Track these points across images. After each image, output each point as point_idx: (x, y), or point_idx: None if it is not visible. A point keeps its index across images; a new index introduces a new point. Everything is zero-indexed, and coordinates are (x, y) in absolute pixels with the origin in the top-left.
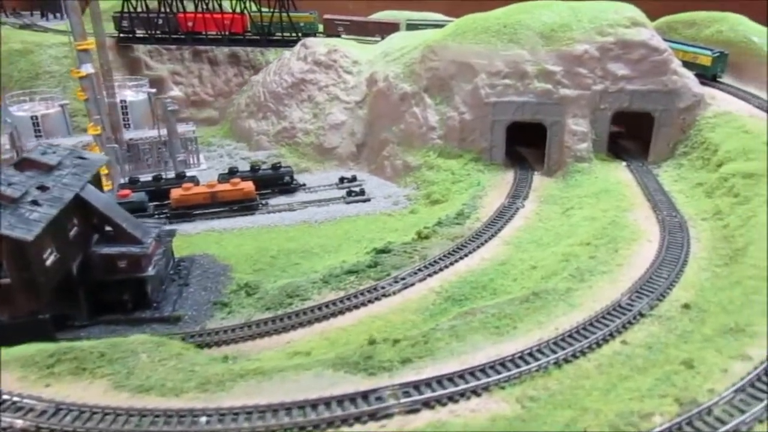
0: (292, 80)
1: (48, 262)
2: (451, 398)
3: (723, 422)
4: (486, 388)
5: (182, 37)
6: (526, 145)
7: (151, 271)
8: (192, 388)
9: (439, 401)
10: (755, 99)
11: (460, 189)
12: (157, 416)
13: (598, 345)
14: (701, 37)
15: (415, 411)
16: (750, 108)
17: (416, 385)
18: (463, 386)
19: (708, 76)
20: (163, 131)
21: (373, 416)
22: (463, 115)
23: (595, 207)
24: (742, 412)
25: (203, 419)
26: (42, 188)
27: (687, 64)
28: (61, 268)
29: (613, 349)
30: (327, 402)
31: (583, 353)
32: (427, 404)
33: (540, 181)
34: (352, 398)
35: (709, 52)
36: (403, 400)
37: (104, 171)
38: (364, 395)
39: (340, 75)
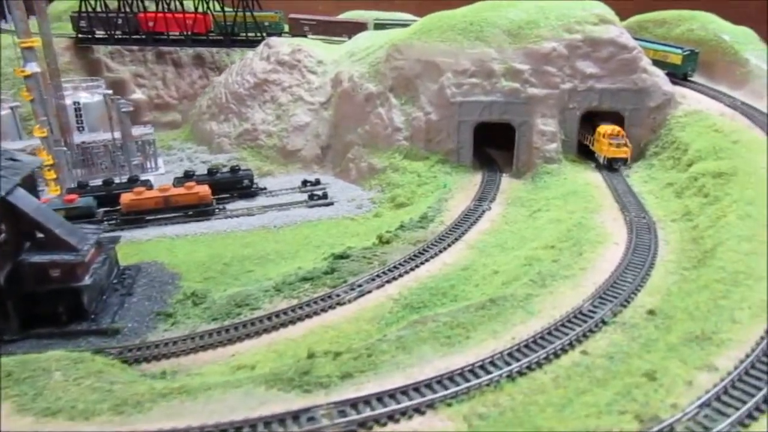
0: (255, 81)
1: None
2: (392, 417)
3: None
4: (431, 405)
5: (143, 37)
6: (496, 147)
7: (87, 280)
8: (105, 410)
9: (378, 421)
10: (726, 98)
11: (426, 192)
12: None
13: (556, 356)
14: (672, 36)
15: None
16: (721, 107)
17: (354, 403)
18: (405, 403)
19: (679, 75)
20: (118, 134)
21: None
22: (429, 115)
23: (562, 209)
24: (707, 429)
25: None
26: None
27: (657, 63)
28: None
29: (572, 359)
30: (253, 424)
31: (539, 365)
32: (363, 425)
33: (508, 183)
34: (281, 419)
35: (679, 51)
36: (337, 421)
37: (51, 175)
38: (295, 416)
39: (304, 75)
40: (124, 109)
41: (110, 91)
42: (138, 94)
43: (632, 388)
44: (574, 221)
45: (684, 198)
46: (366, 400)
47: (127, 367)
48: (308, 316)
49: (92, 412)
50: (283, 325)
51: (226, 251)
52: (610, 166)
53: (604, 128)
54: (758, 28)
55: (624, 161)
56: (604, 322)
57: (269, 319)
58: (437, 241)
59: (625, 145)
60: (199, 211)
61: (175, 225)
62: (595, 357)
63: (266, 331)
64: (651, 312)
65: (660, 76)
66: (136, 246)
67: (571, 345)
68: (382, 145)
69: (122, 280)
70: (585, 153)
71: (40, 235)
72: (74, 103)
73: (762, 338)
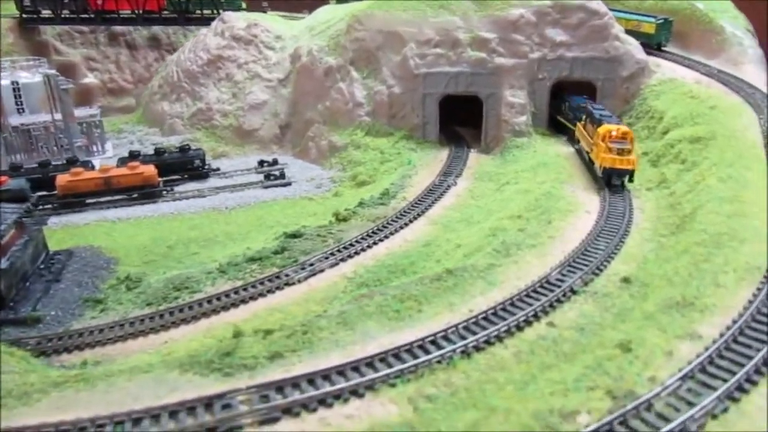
0: (208, 57)
1: None
2: (323, 401)
3: (666, 419)
4: (371, 386)
5: (92, 17)
6: (463, 124)
7: (3, 264)
8: None
9: (307, 406)
10: (702, 66)
11: (389, 169)
12: None
13: (519, 329)
14: (645, 6)
15: (273, 420)
16: (696, 75)
17: (279, 386)
18: (341, 385)
19: (653, 45)
20: (59, 115)
21: (213, 430)
22: (392, 88)
23: (531, 181)
24: (691, 405)
25: None
26: None
27: (631, 33)
28: None
29: (537, 332)
30: (156, 414)
31: (499, 339)
32: (289, 411)
33: (476, 159)
34: (190, 407)
35: (652, 20)
36: (258, 407)
37: None
38: (208, 403)
39: (261, 51)
40: (63, 86)
41: (53, 71)
42: (90, 78)
43: (604, 360)
44: (543, 191)
45: (660, 166)
46: (295, 383)
47: (30, 357)
48: (252, 298)
49: None
50: (225, 308)
51: (170, 234)
52: (609, 182)
53: (607, 128)
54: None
55: (628, 175)
56: (573, 292)
57: (209, 302)
58: (398, 217)
59: (631, 152)
60: (144, 193)
61: (117, 208)
62: (563, 329)
63: (205, 315)
64: (625, 280)
65: (633, 44)
66: (72, 231)
67: (536, 317)
68: (343, 121)
69: (50, 266)
70: (556, 127)
71: None
72: (13, 83)
73: (750, 302)
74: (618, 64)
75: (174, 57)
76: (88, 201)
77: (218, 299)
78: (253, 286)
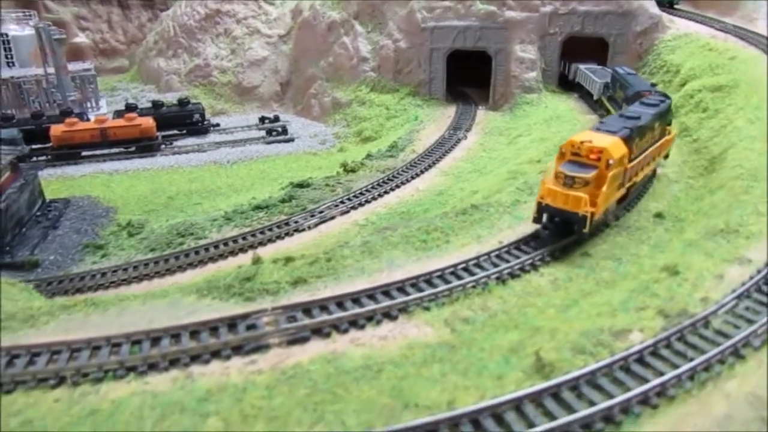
0: (206, 12)
1: None
2: (355, 323)
3: (726, 335)
4: (404, 309)
5: None
6: (469, 84)
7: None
8: None
9: (337, 327)
10: (717, 22)
11: (395, 125)
12: None
13: (554, 257)
14: None
15: (302, 340)
16: (712, 31)
17: (306, 308)
18: (372, 307)
19: (665, 3)
20: (52, 69)
21: (239, 349)
22: (398, 43)
23: (545, 131)
24: (751, 322)
25: None
26: None
27: None
28: None
29: (572, 261)
30: (176, 334)
31: (534, 267)
32: (319, 331)
33: (484, 115)
34: (213, 327)
35: None
36: (285, 326)
37: None
38: (231, 323)
39: (261, 5)
40: (55, 37)
41: (46, 23)
42: (81, 38)
43: (650, 284)
44: (561, 138)
45: (679, 116)
46: (322, 305)
47: (31, 289)
48: (261, 243)
49: None
50: (233, 253)
51: (170, 186)
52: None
53: (572, 140)
54: None
55: (580, 223)
56: (606, 225)
57: (216, 247)
58: (408, 168)
59: (588, 184)
60: (141, 146)
61: (114, 161)
62: (599, 259)
63: (212, 260)
64: (658, 215)
65: None
66: (68, 182)
67: (570, 246)
68: (347, 77)
69: (46, 213)
70: (566, 85)
71: None
72: (2, 35)
73: None
74: (631, 18)
75: (170, 12)
76: (84, 153)
77: (225, 244)
78: (262, 232)
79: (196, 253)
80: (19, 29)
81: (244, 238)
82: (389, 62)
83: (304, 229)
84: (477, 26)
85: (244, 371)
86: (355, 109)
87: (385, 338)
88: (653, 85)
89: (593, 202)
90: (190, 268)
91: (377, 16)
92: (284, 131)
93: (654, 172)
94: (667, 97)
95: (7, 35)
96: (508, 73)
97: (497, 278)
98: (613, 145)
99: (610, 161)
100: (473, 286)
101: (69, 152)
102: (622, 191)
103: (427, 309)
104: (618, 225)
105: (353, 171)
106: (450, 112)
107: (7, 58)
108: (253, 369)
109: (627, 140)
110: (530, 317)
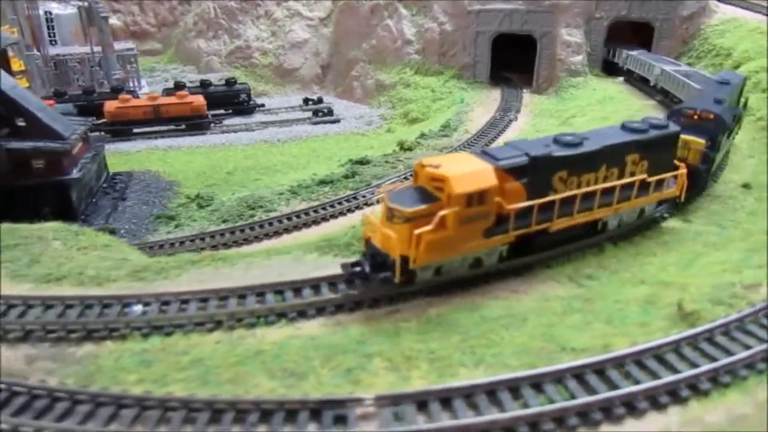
0: None
1: None
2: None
3: None
4: (528, 266)
5: None
6: (509, 70)
7: (76, 173)
8: (122, 276)
9: (471, 280)
10: (765, 8)
11: (442, 107)
12: (70, 306)
13: (655, 222)
14: None
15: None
16: (760, 16)
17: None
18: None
19: None
20: (97, 48)
21: (377, 301)
22: (443, 26)
23: (602, 110)
24: None
25: (137, 308)
26: None
27: None
28: None
29: (674, 226)
30: (315, 285)
31: (638, 229)
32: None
33: (530, 98)
34: (348, 280)
35: None
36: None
37: (24, 84)
38: (365, 277)
39: None
40: (103, 14)
41: (86, 3)
42: (113, 20)
43: (762, 246)
44: (626, 116)
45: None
46: None
47: (137, 250)
48: (333, 216)
49: (106, 279)
50: (306, 225)
51: (226, 162)
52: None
53: (420, 162)
54: None
55: (392, 269)
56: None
57: (289, 219)
58: (465, 146)
59: (409, 220)
60: (192, 123)
61: (165, 138)
62: (700, 225)
63: (287, 231)
64: (745, 186)
65: None
66: (125, 157)
67: (669, 214)
68: (390, 60)
69: (113, 185)
70: (609, 70)
71: (19, 123)
72: (46, 13)
73: None
74: (678, 2)
75: None
76: (135, 130)
77: (298, 216)
78: (332, 206)
79: (270, 224)
80: (61, 7)
81: (315, 211)
82: (434, 45)
83: (373, 203)
84: (523, 9)
85: (391, 318)
86: (400, 91)
87: (517, 292)
88: (718, 102)
89: (416, 245)
90: (266, 238)
91: None
92: (330, 112)
93: (643, 211)
94: (676, 126)
95: (50, 13)
96: (554, 57)
97: (609, 239)
98: (466, 176)
99: (451, 196)
100: (588, 247)
101: (122, 128)
102: (503, 238)
103: (549, 266)
104: (707, 194)
105: (410, 149)
106: (495, 95)
107: (49, 35)
108: (399, 317)
109: (514, 172)
110: (653, 274)
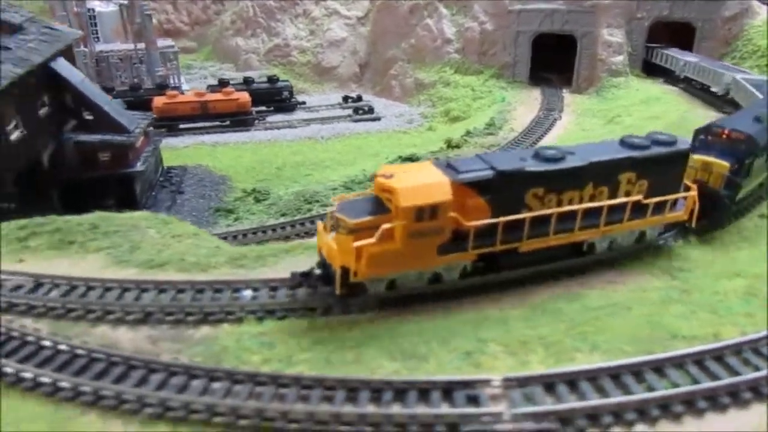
0: None
1: (12, 137)
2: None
3: None
4: (615, 258)
5: None
6: (547, 70)
7: (140, 167)
8: (222, 263)
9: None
10: None
11: (482, 106)
12: (182, 291)
13: (736, 218)
14: None
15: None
16: None
17: None
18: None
19: None
20: (139, 45)
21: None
22: (483, 25)
23: (649, 110)
24: None
25: (246, 293)
26: (3, 48)
27: None
28: (29, 153)
29: (753, 223)
30: None
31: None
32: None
33: (571, 98)
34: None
35: None
36: None
37: None
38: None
39: None
40: (147, 12)
41: (126, 1)
42: None
43: None
44: (677, 116)
45: None
46: None
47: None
48: None
49: (207, 265)
50: None
51: (275, 158)
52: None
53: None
54: None
55: (333, 280)
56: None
57: None
58: (513, 145)
59: (353, 232)
60: (237, 120)
61: (211, 134)
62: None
63: None
64: None
65: None
66: (174, 152)
67: (745, 213)
68: (429, 59)
69: (168, 178)
70: (649, 71)
71: (87, 117)
72: (89, 10)
73: None
74: (721, 3)
75: None
76: (181, 126)
77: None
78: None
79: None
80: (104, 5)
81: None
82: (474, 44)
83: None
84: (564, 9)
85: (497, 305)
86: (440, 89)
87: (614, 282)
88: (758, 119)
89: (356, 257)
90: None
91: None
92: (371, 110)
93: (643, 235)
94: (685, 143)
95: (93, 10)
96: (594, 57)
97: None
98: (417, 188)
99: (399, 208)
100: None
101: (169, 123)
102: (461, 255)
103: (640, 259)
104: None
105: (457, 147)
106: (535, 94)
107: (92, 33)
108: (504, 305)
109: (476, 187)
110: (742, 267)
